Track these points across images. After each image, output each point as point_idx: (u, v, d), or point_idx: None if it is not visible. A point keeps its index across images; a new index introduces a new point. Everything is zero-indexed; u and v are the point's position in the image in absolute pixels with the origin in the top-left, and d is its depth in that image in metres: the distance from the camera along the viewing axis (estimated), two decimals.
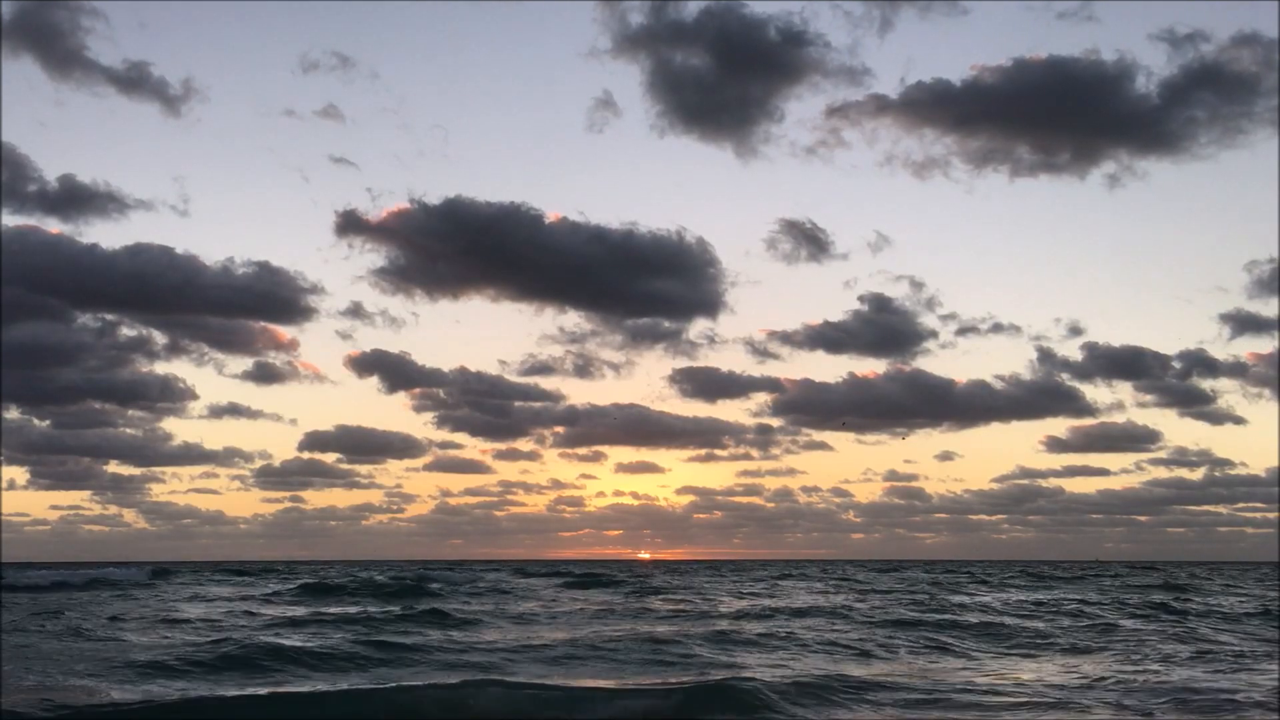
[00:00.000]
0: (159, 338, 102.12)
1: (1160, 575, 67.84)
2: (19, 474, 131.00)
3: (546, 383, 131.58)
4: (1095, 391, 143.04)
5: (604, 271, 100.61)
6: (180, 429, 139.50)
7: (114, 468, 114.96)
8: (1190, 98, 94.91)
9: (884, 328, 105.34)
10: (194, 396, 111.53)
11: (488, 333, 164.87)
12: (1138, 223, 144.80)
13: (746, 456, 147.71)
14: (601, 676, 15.81)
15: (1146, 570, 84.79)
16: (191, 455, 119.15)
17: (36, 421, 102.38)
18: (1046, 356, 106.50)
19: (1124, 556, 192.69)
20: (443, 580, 50.35)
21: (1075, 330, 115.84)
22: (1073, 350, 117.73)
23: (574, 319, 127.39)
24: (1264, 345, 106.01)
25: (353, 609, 30.32)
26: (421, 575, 56.09)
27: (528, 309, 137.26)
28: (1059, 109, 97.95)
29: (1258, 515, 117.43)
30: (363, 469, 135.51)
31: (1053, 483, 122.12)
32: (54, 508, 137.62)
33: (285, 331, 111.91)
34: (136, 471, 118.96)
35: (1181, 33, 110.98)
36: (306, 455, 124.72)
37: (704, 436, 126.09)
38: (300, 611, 29.70)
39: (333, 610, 29.87)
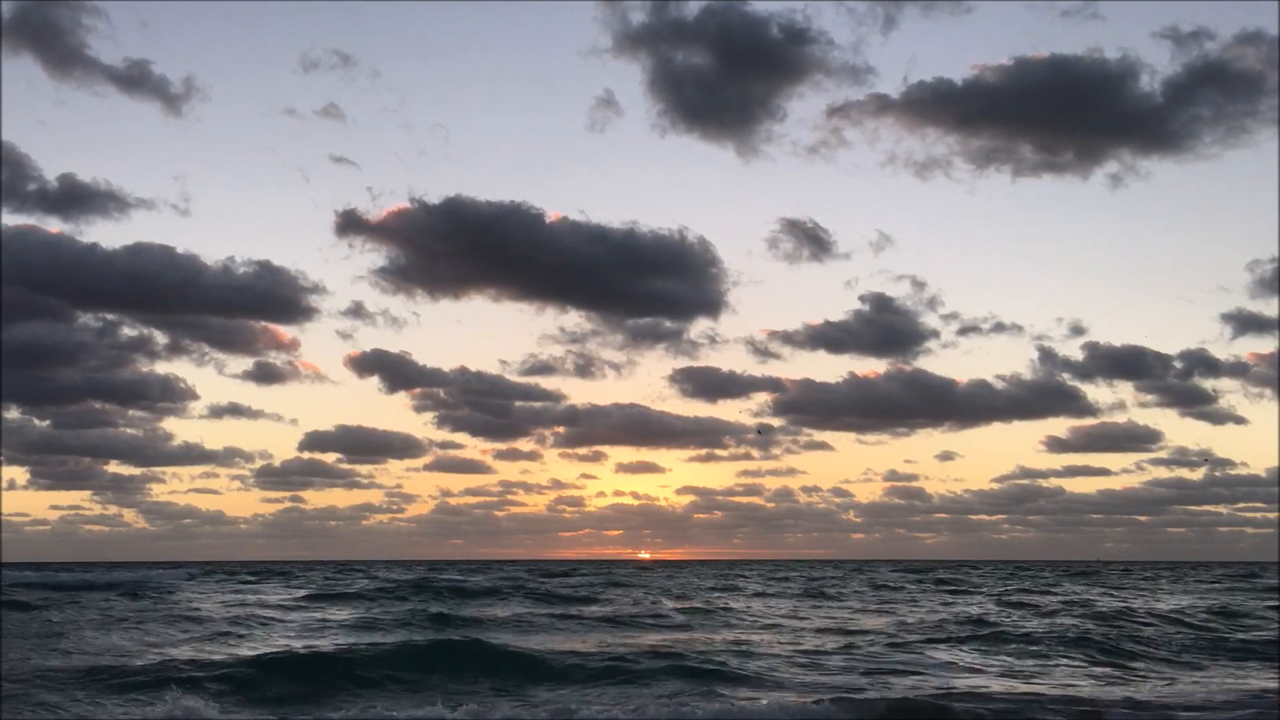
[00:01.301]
0: (159, 337, 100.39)
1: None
2: (19, 474, 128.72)
3: (547, 383, 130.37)
4: (1096, 391, 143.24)
5: (605, 271, 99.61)
6: (180, 429, 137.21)
7: (114, 468, 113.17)
8: (1194, 96, 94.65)
9: (885, 327, 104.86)
10: (194, 396, 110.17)
11: (488, 332, 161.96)
12: (1140, 222, 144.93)
13: (747, 456, 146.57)
14: None
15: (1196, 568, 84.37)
16: (192, 455, 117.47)
17: (36, 421, 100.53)
18: (1048, 356, 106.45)
19: (1124, 556, 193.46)
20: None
21: (1077, 330, 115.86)
22: (1074, 350, 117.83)
23: (575, 319, 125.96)
24: (1265, 345, 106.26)
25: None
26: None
27: (528, 309, 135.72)
28: (1062, 108, 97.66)
29: (1258, 515, 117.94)
30: (363, 469, 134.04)
31: (1053, 483, 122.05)
32: (54, 508, 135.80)
33: (286, 331, 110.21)
34: (136, 471, 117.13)
35: (1185, 31, 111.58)
36: (307, 455, 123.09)
37: (704, 436, 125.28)
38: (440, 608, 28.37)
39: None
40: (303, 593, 40.29)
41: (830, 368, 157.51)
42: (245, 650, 18.92)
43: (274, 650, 18.49)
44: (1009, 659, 18.80)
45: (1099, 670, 17.65)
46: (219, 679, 14.78)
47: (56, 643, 20.08)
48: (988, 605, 32.66)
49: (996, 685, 15.39)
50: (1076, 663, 18.50)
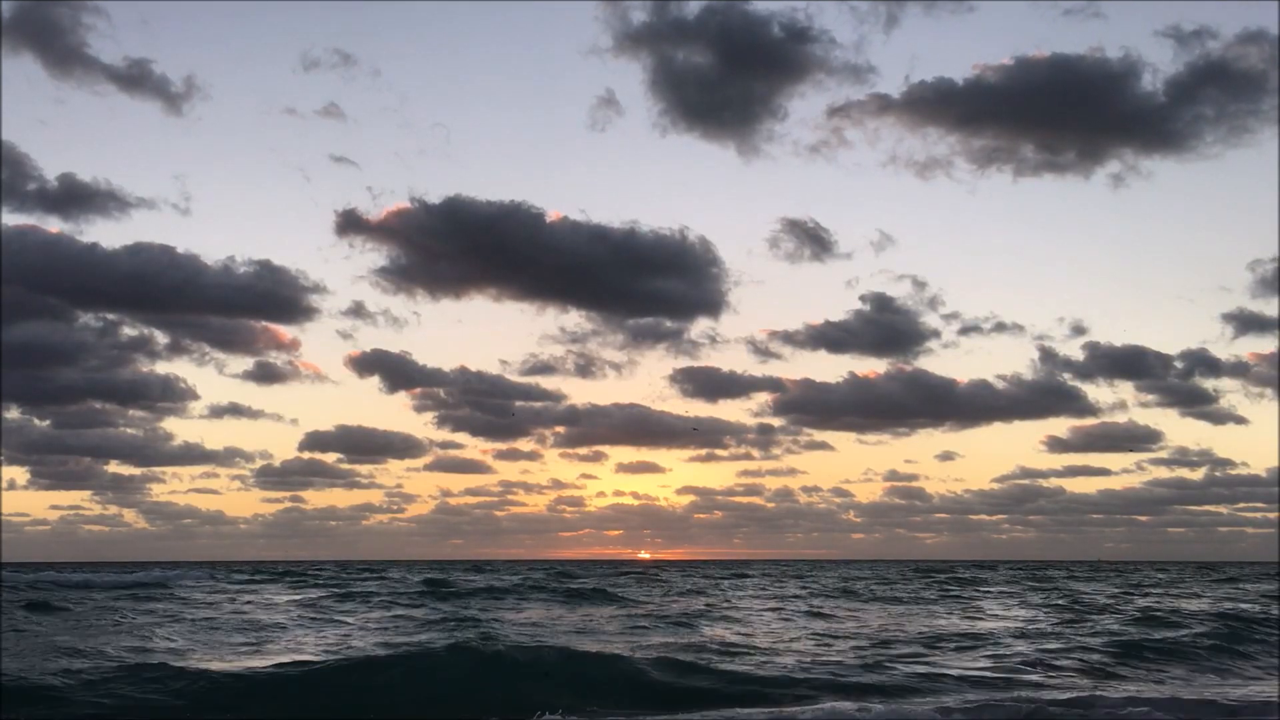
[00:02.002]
0: (160, 337, 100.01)
1: None
2: (19, 474, 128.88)
3: (547, 382, 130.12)
4: (1097, 391, 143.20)
5: (605, 271, 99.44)
6: (181, 429, 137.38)
7: (114, 468, 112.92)
8: (1196, 95, 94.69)
9: (886, 327, 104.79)
10: (195, 396, 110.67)
11: (489, 332, 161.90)
12: (1141, 222, 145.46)
13: (747, 456, 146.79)
14: None
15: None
16: (192, 455, 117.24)
17: (37, 421, 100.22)
18: (1048, 356, 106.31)
19: (1124, 556, 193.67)
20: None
21: (1078, 330, 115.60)
22: (1074, 350, 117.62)
23: (575, 318, 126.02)
24: (1266, 345, 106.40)
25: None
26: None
27: (529, 308, 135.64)
28: (1063, 108, 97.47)
29: (1258, 515, 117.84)
30: (363, 469, 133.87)
31: (1053, 483, 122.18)
32: (54, 508, 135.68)
33: (286, 331, 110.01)
34: (137, 471, 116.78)
35: (1187, 30, 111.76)
36: (307, 455, 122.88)
37: (705, 436, 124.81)
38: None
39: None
40: (320, 593, 39.35)
41: (831, 368, 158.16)
42: (316, 653, 18.05)
43: (350, 656, 17.70)
44: (1130, 662, 18.02)
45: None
46: (320, 681, 13.90)
47: (101, 643, 19.17)
48: (1052, 609, 31.91)
49: (1122, 690, 14.63)
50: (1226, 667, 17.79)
